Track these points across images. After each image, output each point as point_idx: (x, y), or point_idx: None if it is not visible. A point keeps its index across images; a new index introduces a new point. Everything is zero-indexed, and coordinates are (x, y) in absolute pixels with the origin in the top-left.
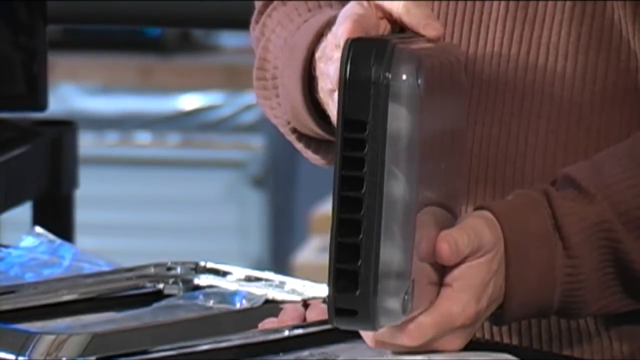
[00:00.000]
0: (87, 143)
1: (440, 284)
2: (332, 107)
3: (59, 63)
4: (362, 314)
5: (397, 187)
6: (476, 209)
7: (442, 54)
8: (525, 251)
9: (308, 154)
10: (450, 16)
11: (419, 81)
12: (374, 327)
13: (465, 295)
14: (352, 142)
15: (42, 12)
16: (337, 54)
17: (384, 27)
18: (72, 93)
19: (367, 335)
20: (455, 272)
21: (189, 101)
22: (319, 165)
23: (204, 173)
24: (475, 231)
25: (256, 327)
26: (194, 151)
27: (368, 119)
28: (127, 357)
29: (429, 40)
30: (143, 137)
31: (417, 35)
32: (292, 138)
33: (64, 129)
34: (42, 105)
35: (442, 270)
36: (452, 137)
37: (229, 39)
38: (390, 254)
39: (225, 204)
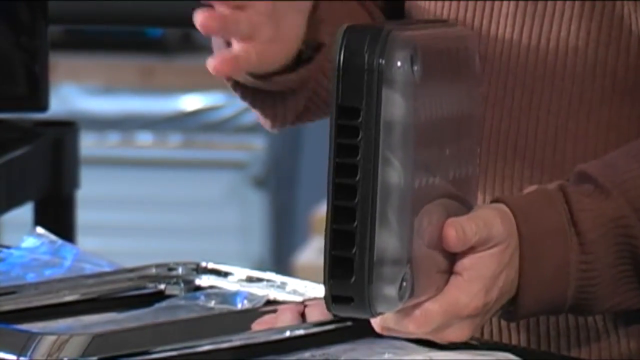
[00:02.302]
0: (88, 144)
1: (451, 272)
2: None
3: (60, 63)
4: (358, 301)
5: (392, 174)
6: (492, 201)
7: (448, 41)
8: (540, 246)
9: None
10: (461, 12)
11: (415, 68)
12: (370, 314)
13: (474, 286)
14: (346, 129)
15: (43, 13)
16: None
17: None
18: (73, 94)
19: (374, 321)
20: (466, 262)
21: (191, 102)
22: (266, 128)
23: (205, 174)
24: (485, 221)
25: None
26: (195, 152)
27: (362, 106)
28: (128, 358)
29: (438, 26)
30: (144, 138)
31: (425, 22)
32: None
33: (65, 130)
34: (43, 106)
35: (453, 259)
36: (457, 124)
37: None
38: (385, 241)
39: (226, 204)
